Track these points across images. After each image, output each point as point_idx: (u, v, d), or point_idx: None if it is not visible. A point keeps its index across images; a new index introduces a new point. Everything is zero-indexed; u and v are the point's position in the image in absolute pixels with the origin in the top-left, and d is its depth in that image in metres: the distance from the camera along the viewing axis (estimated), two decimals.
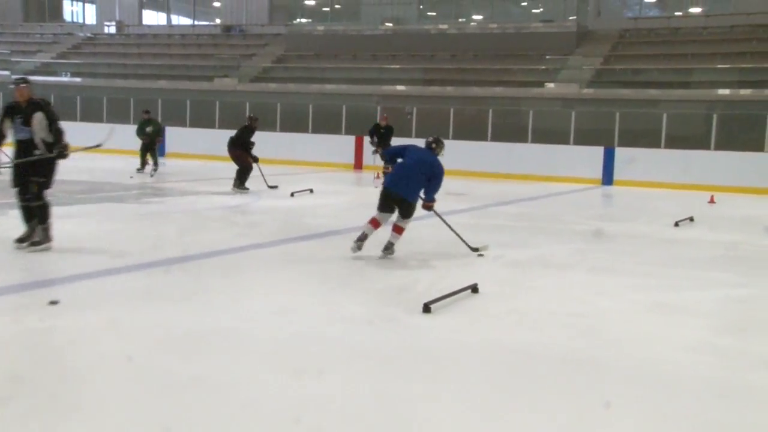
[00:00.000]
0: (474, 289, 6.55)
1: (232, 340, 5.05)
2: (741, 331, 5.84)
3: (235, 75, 28.79)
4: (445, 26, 28.39)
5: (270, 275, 7.33)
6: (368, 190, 16.23)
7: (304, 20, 33.60)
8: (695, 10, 27.35)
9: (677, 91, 22.11)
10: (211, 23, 36.21)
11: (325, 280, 7.12)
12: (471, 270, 7.60)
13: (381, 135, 17.87)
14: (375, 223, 8.19)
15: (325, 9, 33.87)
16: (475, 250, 8.56)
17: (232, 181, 14.37)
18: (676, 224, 11.74)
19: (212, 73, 29.04)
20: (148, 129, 17.88)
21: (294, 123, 24.35)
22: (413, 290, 6.63)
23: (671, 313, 6.32)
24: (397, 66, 27.16)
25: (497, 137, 21.41)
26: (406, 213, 8.19)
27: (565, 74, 24.37)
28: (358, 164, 22.36)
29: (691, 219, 12.31)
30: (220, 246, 8.69)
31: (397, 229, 8.23)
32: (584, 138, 20.68)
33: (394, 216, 8.23)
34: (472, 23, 29.75)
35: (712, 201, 15.40)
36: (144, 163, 17.77)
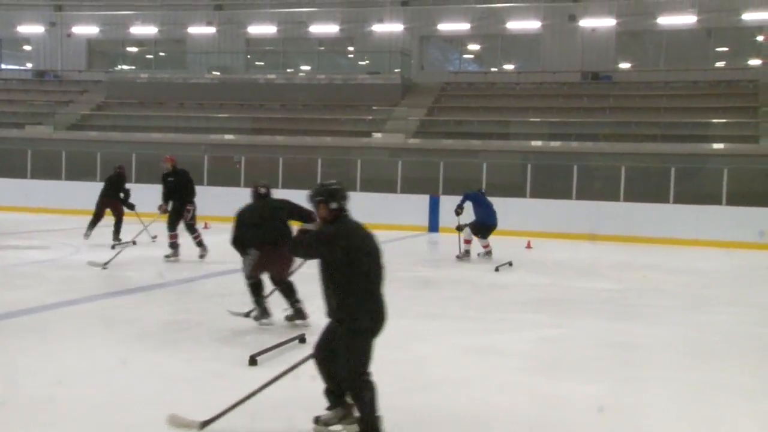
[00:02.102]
0: (302, 339, 6.57)
1: (41, 407, 4.73)
2: (554, 370, 6.25)
3: (50, 122, 27.33)
4: (273, 76, 28.65)
5: (86, 334, 6.96)
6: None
7: (126, 67, 32.64)
8: (509, 66, 29.45)
9: (495, 142, 23.56)
10: (22, 68, 34.25)
11: (146, 336, 6.86)
12: (299, 321, 7.60)
13: (168, 185, 12.34)
14: (469, 242, 13.63)
15: (148, 56, 33.12)
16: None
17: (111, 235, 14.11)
18: (497, 269, 12.42)
19: (24, 120, 27.41)
20: None
21: None
22: (240, 343, 6.54)
23: (489, 355, 6.65)
24: (225, 115, 26.99)
25: None
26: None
27: (391, 125, 25.29)
28: None
29: (510, 264, 13.07)
30: (29, 304, 8.14)
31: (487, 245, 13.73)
32: (410, 186, 21.46)
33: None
34: (301, 74, 30.25)
35: (528, 246, 16.42)
36: None
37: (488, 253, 13.74)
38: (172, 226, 12.15)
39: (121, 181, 14.76)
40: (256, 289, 7.35)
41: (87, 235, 14.21)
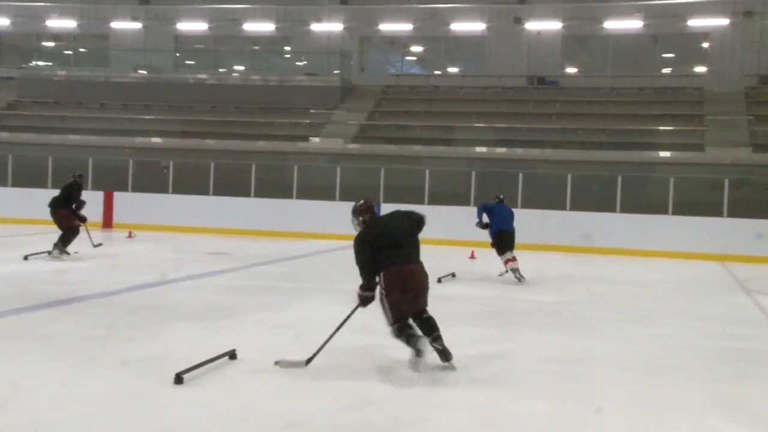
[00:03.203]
0: (232, 355, 6.51)
1: None
2: (498, 385, 6.33)
3: None
4: (204, 76, 28.40)
5: None
6: (119, 250, 15.57)
7: (41, 63, 31.87)
8: (453, 69, 29.81)
9: (439, 148, 23.81)
10: None
11: (63, 354, 6.69)
12: (231, 335, 7.55)
13: None
14: (514, 259, 12.82)
15: (67, 52, 32.42)
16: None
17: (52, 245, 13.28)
18: (439, 280, 12.50)
19: None
20: None
21: (30, 177, 22.78)
22: (166, 360, 6.44)
23: (431, 371, 6.69)
24: (152, 117, 26.59)
25: (261, 193, 21.58)
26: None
27: (330, 129, 25.31)
28: (108, 222, 21.39)
29: (453, 275, 13.19)
30: None
31: (513, 260, 12.82)
32: (350, 194, 21.39)
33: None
34: (234, 74, 30.04)
35: (472, 257, 16.61)
36: None
37: (511, 270, 13.00)
38: None
39: (72, 191, 13.90)
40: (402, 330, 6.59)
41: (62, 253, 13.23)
